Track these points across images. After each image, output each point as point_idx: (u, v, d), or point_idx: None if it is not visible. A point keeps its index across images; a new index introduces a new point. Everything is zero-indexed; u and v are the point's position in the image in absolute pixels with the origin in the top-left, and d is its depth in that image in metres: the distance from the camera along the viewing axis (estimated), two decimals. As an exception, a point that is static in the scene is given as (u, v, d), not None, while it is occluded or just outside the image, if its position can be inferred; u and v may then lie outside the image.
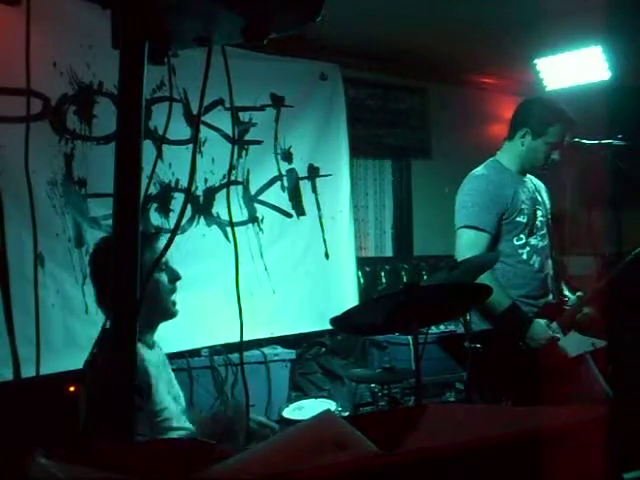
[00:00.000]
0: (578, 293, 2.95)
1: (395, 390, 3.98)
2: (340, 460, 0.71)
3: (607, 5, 3.72)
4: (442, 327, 4.29)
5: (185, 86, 3.79)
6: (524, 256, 2.86)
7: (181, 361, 3.70)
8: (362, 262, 5.03)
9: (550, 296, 2.93)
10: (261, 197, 4.41)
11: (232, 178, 4.25)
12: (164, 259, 2.15)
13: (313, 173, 4.65)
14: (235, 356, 3.92)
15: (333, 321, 2.36)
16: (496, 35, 4.56)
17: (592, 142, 3.07)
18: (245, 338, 1.36)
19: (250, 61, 3.96)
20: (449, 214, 2.94)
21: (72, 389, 3.28)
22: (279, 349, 4.28)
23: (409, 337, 3.55)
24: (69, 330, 3.37)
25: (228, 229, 4.13)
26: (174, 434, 2.07)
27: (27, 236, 2.54)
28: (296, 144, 4.54)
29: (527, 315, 2.78)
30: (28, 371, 1.05)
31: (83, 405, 1.92)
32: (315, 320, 4.36)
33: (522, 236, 2.86)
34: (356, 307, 3.25)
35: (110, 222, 1.09)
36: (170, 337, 2.31)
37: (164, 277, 2.16)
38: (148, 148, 1.11)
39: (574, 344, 2.79)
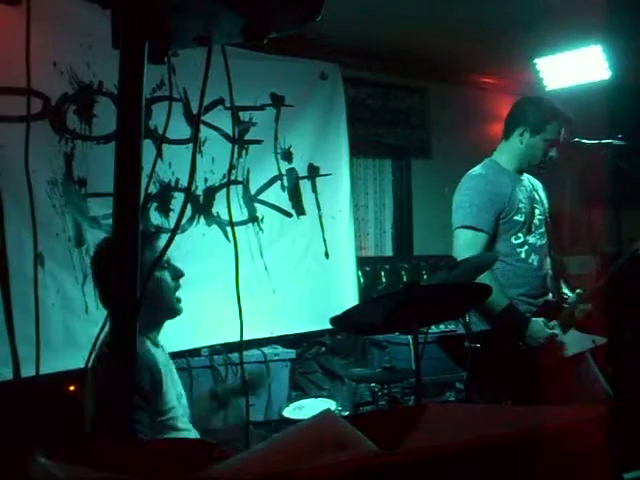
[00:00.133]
0: (577, 290, 2.95)
1: (395, 390, 3.98)
2: (340, 460, 0.71)
3: (607, 5, 3.72)
4: (442, 327, 4.29)
5: (185, 85, 3.79)
6: (522, 255, 2.86)
7: (181, 361, 3.70)
8: (362, 262, 5.03)
9: (550, 295, 2.94)
10: (261, 197, 4.41)
11: (232, 178, 4.25)
12: (165, 257, 2.15)
13: (313, 172, 4.65)
14: (235, 356, 3.92)
15: (333, 321, 2.36)
16: (496, 35, 4.56)
17: (592, 142, 3.08)
18: (245, 338, 1.36)
19: (250, 61, 3.96)
20: (449, 214, 2.94)
21: (72, 389, 3.29)
22: (279, 349, 4.28)
23: (409, 337, 3.55)
24: (69, 330, 3.37)
25: (228, 229, 4.13)
26: (178, 435, 2.07)
27: (27, 236, 2.54)
28: (296, 144, 4.54)
29: (524, 314, 2.78)
30: (28, 371, 1.05)
31: (89, 404, 1.93)
32: (315, 320, 4.36)
33: (520, 235, 2.86)
34: (356, 307, 3.25)
35: (110, 222, 1.10)
36: (170, 336, 2.31)
37: (167, 275, 2.16)
38: (148, 147, 1.11)
39: (574, 342, 2.79)
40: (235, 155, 4.20)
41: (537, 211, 2.95)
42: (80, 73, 3.53)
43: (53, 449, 0.74)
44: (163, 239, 2.19)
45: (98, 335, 1.19)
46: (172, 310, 2.19)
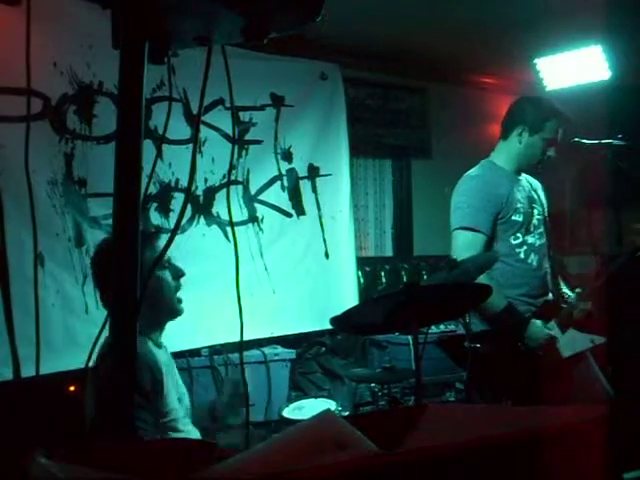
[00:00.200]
0: (577, 289, 2.95)
1: (395, 390, 3.98)
2: (340, 460, 0.71)
3: (607, 5, 3.72)
4: (442, 327, 4.29)
5: (185, 86, 3.79)
6: (522, 255, 2.86)
7: (181, 361, 3.70)
8: (362, 262, 5.03)
9: (550, 295, 2.94)
10: (261, 197, 4.41)
11: (232, 178, 4.25)
12: (166, 257, 2.15)
13: (313, 173, 4.65)
14: (235, 356, 3.92)
15: (333, 321, 2.36)
16: (496, 35, 4.56)
17: (592, 142, 3.08)
18: (245, 338, 1.36)
19: (250, 61, 3.96)
20: (449, 214, 2.94)
21: (72, 389, 3.29)
22: (279, 349, 4.28)
23: (409, 337, 3.55)
24: (69, 330, 3.37)
25: (228, 229, 4.13)
26: (178, 436, 2.07)
27: (27, 236, 2.54)
28: (296, 144, 4.54)
29: (523, 315, 2.78)
30: (28, 371, 1.05)
31: (89, 404, 1.93)
32: (315, 320, 4.36)
33: (519, 235, 2.86)
34: (356, 307, 3.26)
35: (110, 222, 1.09)
36: (170, 337, 2.31)
37: (168, 275, 2.16)
38: (148, 148, 1.11)
39: (572, 342, 2.79)
40: (235, 155, 4.20)
41: (536, 211, 2.95)
42: (80, 73, 3.53)
43: (53, 449, 0.74)
44: (163, 239, 2.19)
45: (98, 335, 1.19)
46: (173, 310, 2.19)
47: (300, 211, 4.58)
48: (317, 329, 4.47)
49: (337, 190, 4.75)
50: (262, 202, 4.41)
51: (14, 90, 3.10)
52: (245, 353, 3.95)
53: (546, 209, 3.05)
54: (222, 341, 3.88)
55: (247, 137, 4.33)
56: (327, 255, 4.66)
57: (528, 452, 0.79)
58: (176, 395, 2.17)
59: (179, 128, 3.88)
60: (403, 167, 5.56)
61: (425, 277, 5.23)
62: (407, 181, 5.55)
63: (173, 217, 3.91)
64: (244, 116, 4.29)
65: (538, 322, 2.77)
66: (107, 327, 1.08)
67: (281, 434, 0.82)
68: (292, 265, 4.48)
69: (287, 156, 4.53)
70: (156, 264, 1.70)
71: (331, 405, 3.45)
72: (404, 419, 0.90)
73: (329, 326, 2.45)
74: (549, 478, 0.79)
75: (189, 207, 3.99)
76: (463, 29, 4.53)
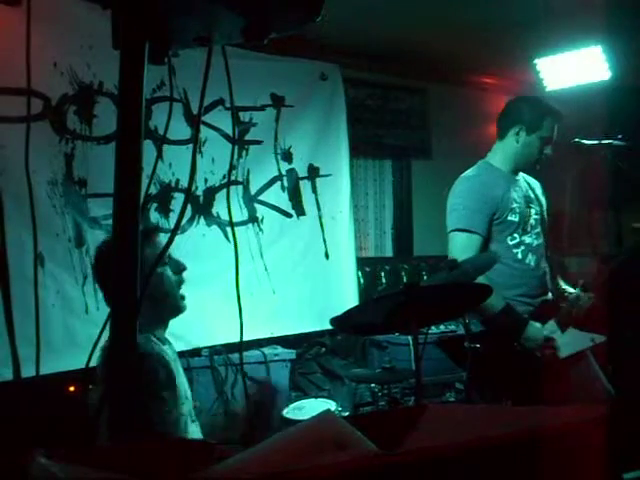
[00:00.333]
0: (581, 280, 2.93)
1: (395, 390, 3.98)
2: (340, 460, 0.71)
3: (607, 5, 3.72)
4: (442, 327, 4.29)
5: (185, 86, 3.79)
6: (519, 255, 2.86)
7: (181, 361, 3.68)
8: (362, 262, 5.03)
9: (549, 295, 2.94)
10: (261, 197, 4.41)
11: (232, 178, 4.26)
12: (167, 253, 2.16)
13: (313, 173, 4.65)
14: (235, 356, 3.92)
15: (333, 321, 2.36)
16: (496, 35, 4.56)
17: (592, 142, 3.08)
18: (245, 338, 1.36)
19: (250, 61, 3.96)
20: (447, 215, 2.94)
21: (72, 389, 3.29)
22: (279, 349, 4.27)
23: (409, 337, 3.55)
24: (69, 330, 3.38)
25: (228, 229, 4.13)
26: (190, 429, 2.08)
27: (27, 236, 2.54)
28: (296, 144, 4.55)
29: (522, 316, 2.78)
30: (28, 371, 1.05)
31: (95, 403, 1.93)
32: (315, 320, 4.36)
33: (516, 235, 2.87)
34: (356, 307, 3.26)
35: (110, 222, 1.09)
36: (170, 337, 2.31)
37: (169, 271, 2.16)
38: (148, 148, 1.11)
39: (572, 341, 2.79)
40: (235, 155, 4.20)
41: (533, 211, 2.95)
42: (80, 73, 3.53)
43: (53, 449, 0.74)
44: (163, 238, 2.19)
45: (99, 335, 1.19)
46: (176, 307, 2.19)
47: (300, 211, 4.58)
48: (317, 329, 4.47)
49: (337, 190, 4.75)
50: (262, 202, 4.41)
51: (14, 90, 3.10)
52: (245, 353, 3.95)
53: (545, 209, 3.05)
54: (222, 341, 3.87)
55: (247, 137, 4.34)
56: (327, 255, 4.66)
57: (528, 452, 0.79)
58: (184, 391, 2.17)
59: (179, 128, 3.88)
60: (403, 167, 5.56)
61: (425, 277, 5.23)
62: (407, 181, 5.56)
63: (173, 217, 3.91)
64: (244, 116, 4.29)
65: (536, 324, 2.77)
66: (107, 327, 1.08)
67: (281, 434, 0.82)
68: (292, 265, 4.48)
69: (287, 156, 4.53)
70: (157, 262, 1.71)
71: (331, 405, 3.45)
72: (404, 419, 0.90)
73: (329, 326, 2.45)
74: (549, 478, 0.79)
75: (189, 207, 3.99)
76: (463, 29, 4.53)
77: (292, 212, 4.55)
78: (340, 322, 2.43)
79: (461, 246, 2.79)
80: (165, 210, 3.90)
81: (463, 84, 5.65)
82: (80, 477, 0.73)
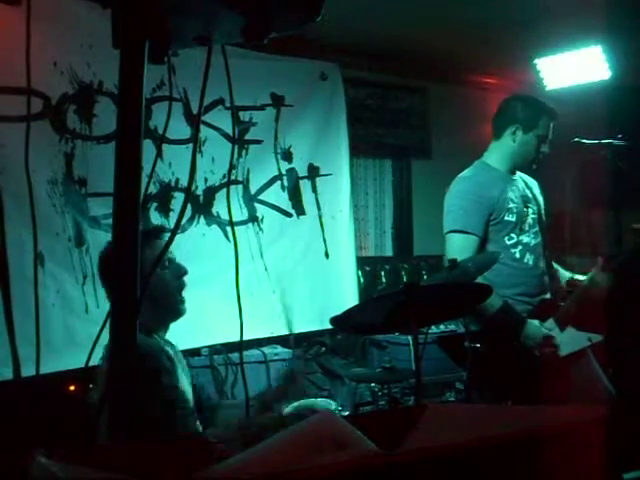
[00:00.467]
0: (600, 259, 2.91)
1: (395, 390, 3.98)
2: (340, 460, 0.71)
3: (607, 5, 3.72)
4: (442, 327, 4.29)
5: (185, 85, 3.79)
6: (517, 255, 2.86)
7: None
8: (362, 262, 5.03)
9: (547, 294, 2.94)
10: (261, 197, 4.41)
11: (232, 177, 4.25)
12: (169, 256, 2.16)
13: (313, 173, 4.65)
14: (235, 356, 3.92)
15: (333, 321, 2.36)
16: (496, 35, 4.56)
17: (592, 142, 3.08)
18: (245, 338, 1.36)
19: (250, 61, 3.96)
20: (445, 216, 2.94)
21: (72, 389, 3.29)
22: (279, 349, 4.27)
23: (409, 337, 3.55)
24: (69, 330, 3.38)
25: (228, 229, 4.13)
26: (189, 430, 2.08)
27: (27, 236, 2.54)
28: (296, 144, 4.54)
29: (520, 315, 2.78)
30: (28, 371, 1.05)
31: (95, 403, 1.93)
32: (315, 320, 4.36)
33: (513, 235, 2.87)
34: (356, 307, 3.25)
35: (110, 221, 1.09)
36: (171, 336, 2.31)
37: (168, 275, 2.16)
38: (148, 147, 1.11)
39: (571, 340, 2.79)
40: (235, 155, 4.20)
41: (530, 210, 2.95)
42: (80, 73, 3.53)
43: (53, 449, 0.74)
44: (165, 238, 2.19)
45: (98, 335, 1.19)
46: (176, 311, 2.19)
47: (300, 211, 4.58)
48: (317, 329, 4.47)
49: (337, 190, 4.75)
50: (262, 202, 4.41)
51: (14, 90, 3.10)
52: (245, 353, 3.95)
53: (542, 208, 3.05)
54: (222, 341, 3.87)
55: (247, 137, 4.33)
56: (327, 255, 4.66)
57: (528, 452, 0.79)
58: (186, 392, 2.17)
59: (179, 128, 3.88)
60: (403, 167, 5.56)
61: (425, 277, 5.23)
62: (407, 181, 5.55)
63: (173, 217, 3.91)
64: (244, 116, 4.29)
65: (535, 322, 2.77)
66: (107, 326, 1.08)
67: (281, 434, 0.82)
68: (292, 265, 4.48)
69: (287, 156, 4.53)
70: (157, 263, 1.71)
71: (331, 405, 3.45)
72: (404, 419, 0.90)
73: (329, 326, 2.45)
74: (549, 478, 0.79)
75: (189, 207, 3.99)
76: (463, 29, 4.53)
77: (292, 212, 4.54)
78: (340, 322, 2.43)
79: (458, 247, 2.79)
80: (165, 209, 3.90)
81: (463, 84, 5.65)
82: (80, 477, 0.73)
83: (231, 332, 1.52)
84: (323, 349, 4.63)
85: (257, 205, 4.38)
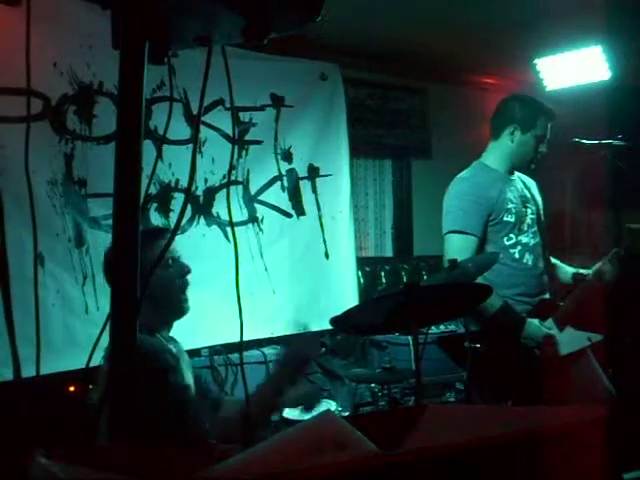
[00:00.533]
0: (614, 249, 2.94)
1: (395, 390, 3.98)
2: (340, 460, 0.71)
3: (607, 5, 3.72)
4: (442, 327, 4.29)
5: (185, 86, 3.79)
6: (516, 255, 2.86)
7: (182, 361, 3.69)
8: (362, 262, 5.03)
9: (547, 294, 2.94)
10: (261, 197, 4.41)
11: (232, 178, 4.25)
12: (172, 255, 2.16)
13: (313, 173, 4.65)
14: (235, 356, 3.92)
15: (333, 321, 2.36)
16: (496, 35, 4.56)
17: (592, 142, 3.08)
18: (245, 338, 1.36)
19: (250, 61, 3.96)
20: (445, 216, 2.94)
21: (72, 389, 3.29)
22: (279, 349, 4.27)
23: (409, 337, 3.55)
24: (69, 330, 3.38)
25: (228, 229, 4.13)
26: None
27: (27, 236, 2.54)
28: (296, 144, 4.54)
29: (520, 315, 2.78)
30: (28, 371, 1.05)
31: (95, 403, 1.93)
32: (315, 320, 4.35)
33: (512, 235, 2.87)
34: (356, 307, 3.26)
35: (110, 222, 1.09)
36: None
37: (171, 274, 2.16)
38: (148, 148, 1.11)
39: (570, 340, 2.79)
40: (235, 155, 4.20)
41: (529, 210, 2.95)
42: (80, 73, 3.53)
43: (53, 449, 0.74)
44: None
45: (99, 335, 1.19)
46: (179, 309, 2.19)
47: (300, 211, 4.58)
48: (317, 329, 4.46)
49: (337, 190, 4.75)
50: (262, 202, 4.41)
51: (14, 90, 3.10)
52: (245, 353, 3.95)
53: (541, 208, 3.05)
54: (222, 341, 3.87)
55: (247, 137, 4.33)
56: (327, 255, 4.66)
57: (528, 452, 0.79)
58: (191, 382, 2.17)
59: (179, 128, 3.88)
60: (403, 167, 5.56)
61: (425, 277, 5.22)
62: (407, 181, 5.55)
63: (173, 217, 3.91)
64: (244, 116, 4.29)
65: (535, 321, 2.78)
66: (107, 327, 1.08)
67: (281, 434, 0.82)
68: (292, 265, 4.48)
69: (287, 156, 4.53)
70: (157, 263, 1.71)
71: (331, 405, 3.45)
72: (404, 419, 0.90)
73: (329, 326, 2.45)
74: (549, 478, 0.79)
75: (189, 207, 3.99)
76: (463, 29, 4.53)
77: (292, 212, 4.54)
78: (340, 322, 2.43)
79: (457, 248, 2.79)
80: (165, 210, 3.90)
81: (463, 84, 5.65)
82: (80, 477, 0.73)
83: (231, 332, 1.51)
84: (323, 349, 4.63)
85: (257, 205, 4.39)
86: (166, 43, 1.11)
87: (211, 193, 4.12)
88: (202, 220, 4.10)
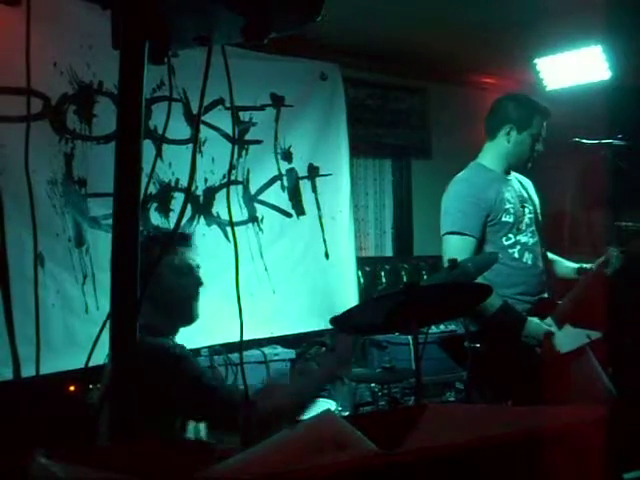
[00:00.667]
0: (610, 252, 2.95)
1: (395, 390, 3.98)
2: (340, 460, 0.71)
3: (607, 5, 3.72)
4: (442, 327, 4.29)
5: (185, 86, 3.79)
6: (515, 255, 2.87)
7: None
8: (362, 262, 5.02)
9: (546, 293, 2.94)
10: (261, 197, 4.40)
11: (232, 178, 4.25)
12: (191, 263, 2.17)
13: (313, 173, 4.65)
14: (235, 356, 3.91)
15: (333, 321, 2.36)
16: (496, 35, 4.56)
17: (592, 142, 3.08)
18: (245, 338, 1.37)
19: (250, 61, 3.96)
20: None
21: (72, 389, 3.29)
22: (279, 349, 4.27)
23: (409, 337, 3.55)
24: (69, 330, 3.37)
25: (228, 229, 4.13)
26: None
27: (27, 236, 2.54)
28: (296, 144, 4.54)
29: (520, 314, 2.78)
30: (28, 371, 1.05)
31: (95, 403, 1.93)
32: (315, 320, 4.36)
33: (510, 235, 2.87)
34: (356, 307, 3.25)
35: (110, 222, 1.09)
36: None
37: (187, 282, 2.17)
38: (148, 148, 1.11)
39: (569, 338, 2.79)
40: (235, 155, 4.19)
41: (527, 210, 2.95)
42: (80, 73, 3.53)
43: (53, 449, 0.74)
44: (200, 239, 2.20)
45: (98, 335, 1.19)
46: (189, 317, 2.21)
47: (300, 211, 4.58)
48: (317, 329, 4.47)
49: (337, 190, 4.74)
50: (262, 202, 4.41)
51: (14, 90, 3.10)
52: (245, 353, 3.95)
53: (538, 207, 3.05)
54: (222, 341, 3.87)
55: (247, 137, 4.33)
56: (327, 255, 4.65)
57: (528, 452, 0.79)
58: None
59: (179, 128, 3.88)
60: (403, 167, 5.56)
61: (425, 277, 5.22)
62: (407, 181, 5.55)
63: (173, 217, 3.91)
64: (244, 116, 4.29)
65: (535, 319, 2.78)
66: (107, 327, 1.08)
67: (281, 434, 0.82)
68: (292, 265, 4.47)
69: (287, 156, 4.53)
70: (157, 264, 1.71)
71: (331, 405, 3.45)
72: (404, 419, 0.90)
73: (329, 326, 2.45)
74: (549, 478, 0.79)
75: (189, 207, 3.98)
76: (463, 29, 4.53)
77: (292, 212, 4.54)
78: (340, 322, 2.42)
79: (455, 249, 2.79)
80: (165, 210, 3.90)
81: (463, 84, 5.65)
82: (80, 477, 0.73)
83: (231, 332, 1.52)
84: (323, 349, 4.63)
85: (257, 205, 4.38)
86: (166, 43, 1.11)
87: (211, 193, 4.12)
88: (202, 220, 4.10)
